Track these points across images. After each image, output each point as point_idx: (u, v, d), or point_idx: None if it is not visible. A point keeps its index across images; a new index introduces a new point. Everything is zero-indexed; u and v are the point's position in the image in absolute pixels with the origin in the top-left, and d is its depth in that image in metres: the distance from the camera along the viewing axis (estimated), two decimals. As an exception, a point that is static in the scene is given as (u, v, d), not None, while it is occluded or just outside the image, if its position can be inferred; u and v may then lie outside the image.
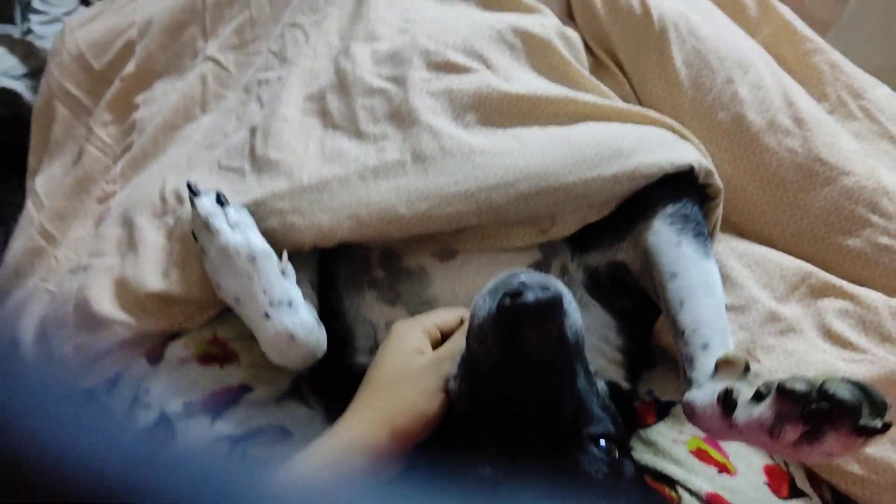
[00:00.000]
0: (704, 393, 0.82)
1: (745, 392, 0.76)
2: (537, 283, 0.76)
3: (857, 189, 1.11)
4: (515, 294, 0.74)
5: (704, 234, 0.99)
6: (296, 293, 0.95)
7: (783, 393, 0.70)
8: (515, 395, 0.76)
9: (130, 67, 1.41)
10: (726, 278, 1.11)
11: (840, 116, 1.27)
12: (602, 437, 0.80)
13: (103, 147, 1.38)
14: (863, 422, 0.67)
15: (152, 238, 1.08)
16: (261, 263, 0.94)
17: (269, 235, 0.98)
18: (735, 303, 1.09)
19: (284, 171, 1.01)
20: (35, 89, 1.57)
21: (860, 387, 0.68)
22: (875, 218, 1.11)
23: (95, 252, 1.12)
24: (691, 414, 0.84)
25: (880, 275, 1.11)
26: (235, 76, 1.32)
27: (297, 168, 1.01)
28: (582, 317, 1.01)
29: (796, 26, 1.29)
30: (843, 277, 1.11)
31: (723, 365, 0.82)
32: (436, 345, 0.90)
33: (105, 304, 1.03)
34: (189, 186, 0.98)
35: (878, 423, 0.67)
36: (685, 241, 0.97)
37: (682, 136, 1.07)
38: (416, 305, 1.01)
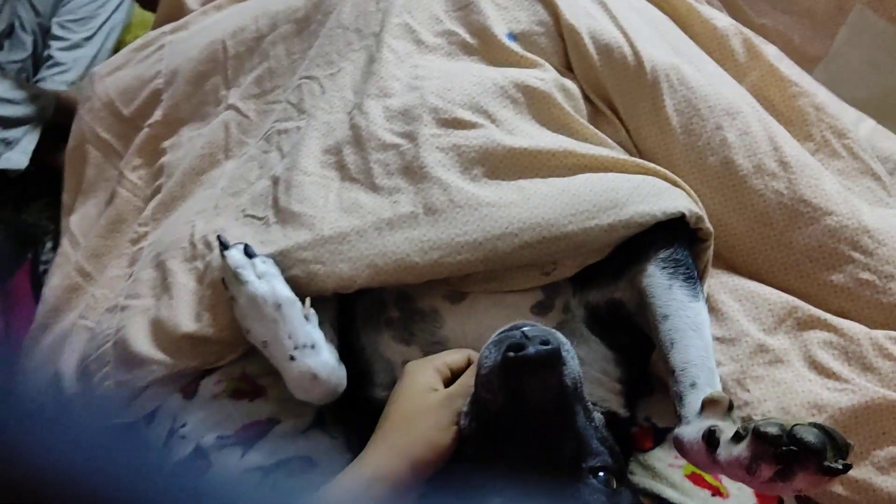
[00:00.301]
0: (692, 430, 0.91)
1: (727, 432, 0.85)
2: (538, 336, 0.85)
3: (840, 228, 1.17)
4: (519, 347, 0.83)
5: (694, 278, 1.07)
6: (318, 336, 1.04)
7: (758, 436, 0.79)
8: (520, 435, 0.85)
9: (158, 115, 1.50)
10: (717, 312, 1.18)
11: (825, 155, 1.32)
12: (600, 470, 0.88)
13: (134, 189, 1.47)
14: (827, 463, 0.76)
15: (184, 281, 1.16)
16: (286, 310, 1.02)
17: (293, 283, 1.06)
18: (726, 335, 1.16)
19: (306, 224, 1.10)
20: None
21: (825, 431, 0.77)
22: (857, 255, 1.17)
23: (132, 293, 1.22)
24: (680, 448, 0.93)
25: (862, 308, 1.17)
26: (256, 123, 1.40)
27: (318, 220, 1.09)
28: (582, 351, 1.10)
29: (782, 71, 1.36)
30: (828, 310, 1.17)
31: (709, 404, 0.91)
32: (447, 382, 0.99)
33: (143, 343, 1.12)
34: (219, 239, 1.07)
35: (839, 465, 0.76)
36: (676, 284, 1.05)
37: (674, 183, 1.15)
38: (429, 345, 1.09)
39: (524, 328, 0.88)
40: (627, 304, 1.11)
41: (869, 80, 1.63)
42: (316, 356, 1.02)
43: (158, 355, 1.11)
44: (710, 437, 0.85)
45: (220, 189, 1.29)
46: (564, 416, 0.87)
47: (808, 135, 1.33)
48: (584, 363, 1.07)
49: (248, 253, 1.06)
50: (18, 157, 2.17)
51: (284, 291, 1.04)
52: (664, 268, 1.06)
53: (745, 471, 0.81)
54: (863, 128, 1.47)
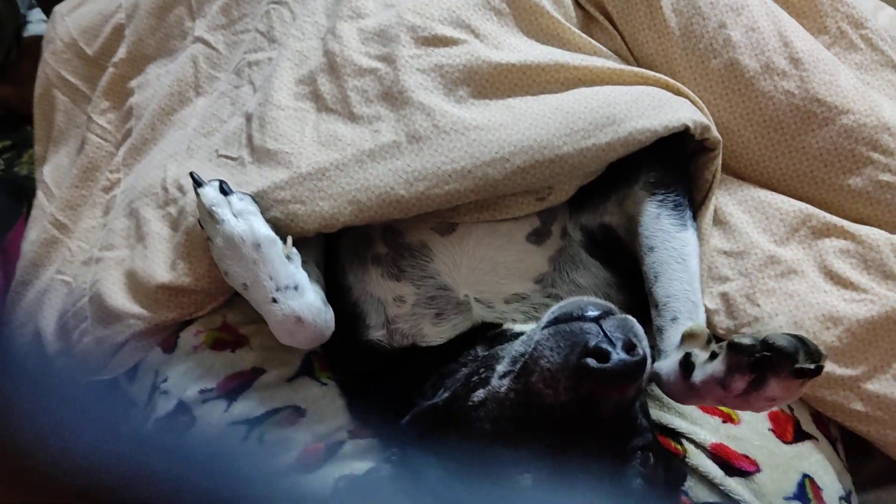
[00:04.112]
0: (669, 362, 0.88)
1: (702, 356, 0.84)
2: (621, 338, 0.74)
3: (857, 127, 1.10)
4: (600, 354, 0.72)
5: (684, 204, 1.02)
6: (301, 277, 0.98)
7: (732, 347, 0.79)
8: (576, 429, 0.77)
9: (122, 52, 1.40)
10: (725, 224, 1.12)
11: (840, 48, 1.23)
12: (642, 449, 0.82)
13: (104, 134, 1.39)
14: (799, 366, 0.75)
15: (158, 229, 1.10)
16: (265, 250, 0.96)
17: (273, 225, 1.00)
18: (734, 248, 1.10)
19: (283, 162, 1.03)
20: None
21: (798, 338, 0.77)
22: (876, 155, 1.10)
23: (105, 245, 1.16)
24: (657, 381, 0.90)
25: (882, 212, 1.11)
26: (226, 56, 1.31)
27: (295, 157, 1.02)
28: (583, 277, 1.04)
29: (791, -42, 1.25)
30: (845, 217, 1.11)
31: (688, 337, 0.88)
32: None
33: (118, 297, 1.07)
34: (192, 177, 1.00)
35: (811, 366, 0.76)
36: (664, 213, 1.01)
37: (677, 92, 1.06)
38: (420, 279, 1.03)
39: (599, 318, 0.77)
40: (617, 229, 1.06)
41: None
42: (300, 298, 0.96)
43: (135, 309, 1.06)
44: (686, 363, 0.84)
45: (191, 129, 1.22)
46: (629, 415, 0.81)
47: (822, 27, 1.23)
48: (587, 291, 1.03)
49: (224, 190, 0.99)
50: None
51: (263, 230, 0.97)
52: (653, 193, 1.02)
53: (719, 386, 0.80)
54: (882, 16, 1.37)
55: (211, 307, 1.07)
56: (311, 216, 0.99)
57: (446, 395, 0.90)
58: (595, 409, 0.75)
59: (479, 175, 0.97)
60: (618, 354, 0.72)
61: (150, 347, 1.08)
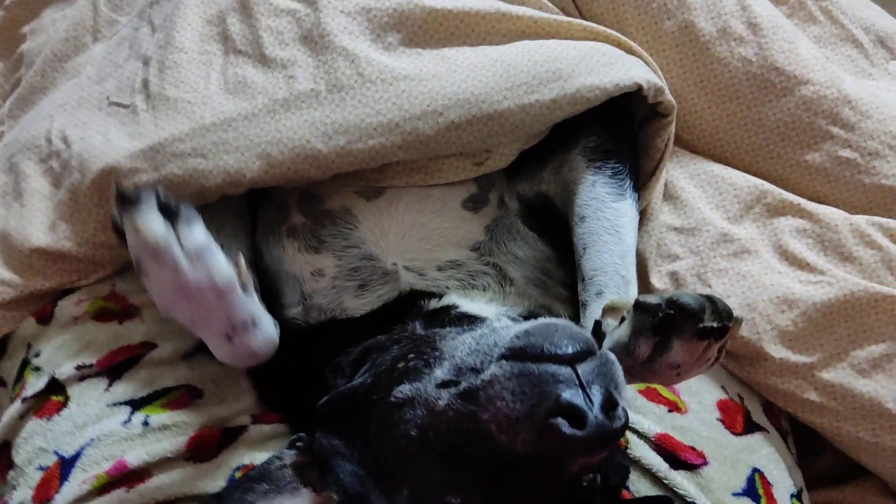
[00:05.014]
0: None
1: (612, 324, 0.78)
2: (600, 393, 0.60)
3: (817, 99, 1.04)
4: (573, 413, 0.59)
5: (624, 172, 0.95)
6: (258, 308, 0.83)
7: (637, 307, 0.74)
8: (527, 477, 0.64)
9: (14, -7, 1.26)
10: (676, 199, 1.06)
11: (799, 20, 1.18)
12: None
13: (-9, 84, 1.24)
14: (703, 325, 0.71)
15: (38, 186, 0.98)
16: (226, 296, 0.78)
17: (169, 183, 0.87)
18: (685, 224, 1.04)
19: (184, 111, 0.91)
20: None
21: (707, 297, 0.73)
22: (836, 130, 1.04)
23: (-20, 203, 1.01)
24: None
25: (841, 191, 1.05)
26: (130, -1, 1.18)
27: (197, 106, 0.90)
28: (521, 250, 0.96)
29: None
30: (802, 195, 1.05)
31: (608, 311, 0.81)
32: None
33: None
34: (118, 189, 0.76)
35: (714, 324, 0.71)
36: (601, 180, 0.93)
37: (629, 51, 0.98)
38: (342, 249, 0.92)
39: (575, 359, 0.62)
40: (555, 198, 0.98)
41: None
42: (257, 333, 0.81)
43: (5, 274, 0.94)
44: (596, 331, 0.79)
45: (85, 77, 1.08)
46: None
47: (779, -4, 1.16)
48: (525, 263, 0.95)
49: (166, 207, 0.75)
50: None
51: (223, 273, 0.77)
52: (591, 159, 0.94)
53: (625, 353, 0.74)
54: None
55: (97, 276, 0.95)
56: (213, 172, 0.88)
57: (369, 380, 0.78)
58: (556, 467, 0.62)
59: (408, 129, 0.87)
60: (595, 418, 0.59)
61: (21, 318, 0.95)
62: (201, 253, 0.76)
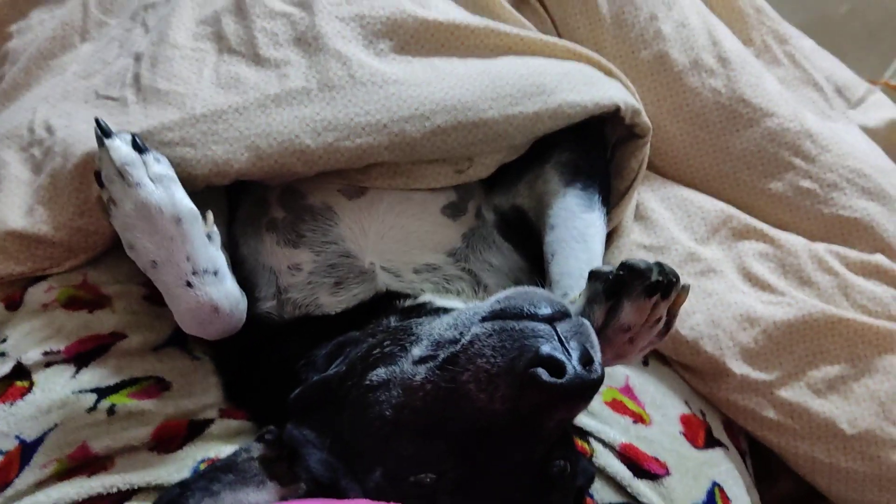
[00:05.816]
0: None
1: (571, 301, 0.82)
2: (578, 348, 0.62)
3: (781, 131, 1.09)
4: (553, 365, 0.60)
5: (594, 187, 0.97)
6: (222, 261, 0.85)
7: (591, 276, 0.79)
8: (503, 439, 0.65)
9: (2, -9, 1.26)
10: (646, 219, 1.09)
11: (765, 62, 1.24)
12: (562, 458, 0.72)
13: (-27, 80, 1.23)
14: (650, 280, 0.75)
15: (17, 172, 0.96)
16: (186, 226, 0.81)
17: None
18: (654, 243, 1.07)
19: (174, 102, 0.91)
20: None
21: (658, 263, 0.77)
22: (797, 161, 1.09)
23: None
24: None
25: (801, 219, 1.10)
26: (121, 2, 1.19)
27: (189, 98, 0.91)
28: (496, 259, 0.97)
29: (720, -32, 1.25)
30: (765, 221, 1.10)
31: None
32: None
33: None
34: (98, 124, 0.83)
35: (660, 278, 0.75)
36: (571, 192, 0.96)
37: (609, 73, 1.02)
38: (321, 245, 0.93)
39: (553, 318, 0.64)
40: (529, 212, 1.00)
41: (807, 3, 1.54)
42: (219, 284, 0.83)
43: None
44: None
45: (70, 73, 1.08)
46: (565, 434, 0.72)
47: (748, 38, 1.23)
48: (499, 272, 0.96)
49: (138, 146, 0.83)
50: None
51: (186, 202, 0.82)
52: (563, 173, 0.97)
53: None
54: (805, 43, 1.38)
55: (70, 264, 0.93)
56: (201, 161, 0.88)
57: (343, 368, 0.79)
58: (534, 423, 0.64)
59: (395, 130, 0.89)
60: (574, 368, 0.60)
61: (-11, 303, 0.92)
62: (165, 179, 0.82)
